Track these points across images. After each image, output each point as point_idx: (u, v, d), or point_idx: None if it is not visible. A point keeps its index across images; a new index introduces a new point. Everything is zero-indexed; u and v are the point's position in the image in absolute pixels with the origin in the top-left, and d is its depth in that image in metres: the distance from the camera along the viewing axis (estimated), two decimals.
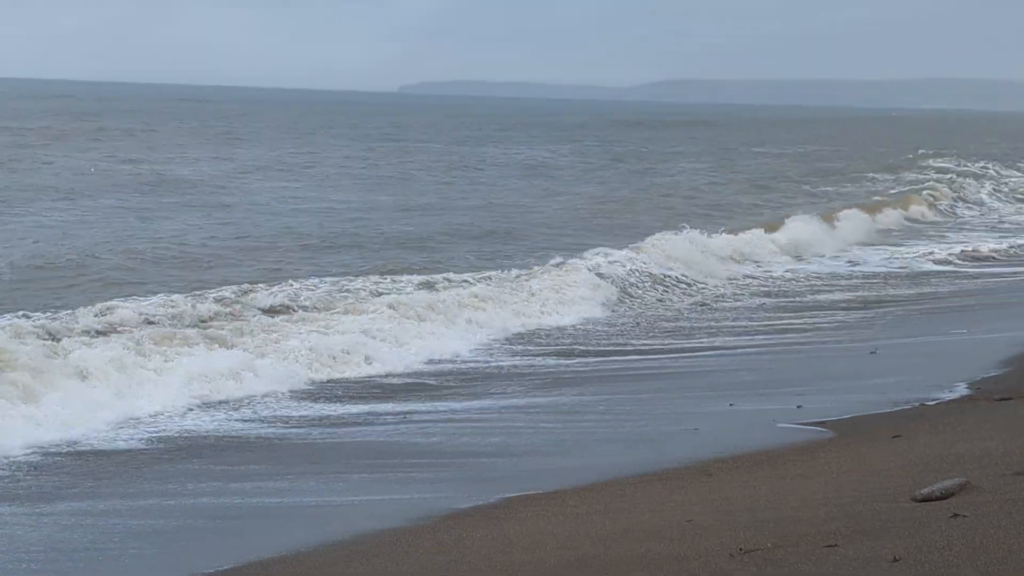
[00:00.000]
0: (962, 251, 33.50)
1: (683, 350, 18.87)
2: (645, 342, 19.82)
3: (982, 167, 64.93)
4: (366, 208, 38.72)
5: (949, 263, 31.59)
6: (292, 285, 21.94)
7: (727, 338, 19.91)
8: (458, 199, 42.97)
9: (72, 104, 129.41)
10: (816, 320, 21.54)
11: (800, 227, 35.18)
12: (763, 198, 48.53)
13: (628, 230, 33.96)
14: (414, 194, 44.09)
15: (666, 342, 19.70)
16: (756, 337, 20.01)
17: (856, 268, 30.83)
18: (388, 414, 14.57)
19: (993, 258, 32.83)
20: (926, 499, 8.44)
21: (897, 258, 32.68)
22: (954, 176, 57.04)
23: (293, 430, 13.79)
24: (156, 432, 13.52)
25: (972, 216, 46.98)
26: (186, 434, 13.49)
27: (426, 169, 57.25)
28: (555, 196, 45.23)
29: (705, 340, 19.82)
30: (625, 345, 19.65)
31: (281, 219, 34.69)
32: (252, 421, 14.22)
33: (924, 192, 49.46)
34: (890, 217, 42.25)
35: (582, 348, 19.35)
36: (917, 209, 45.27)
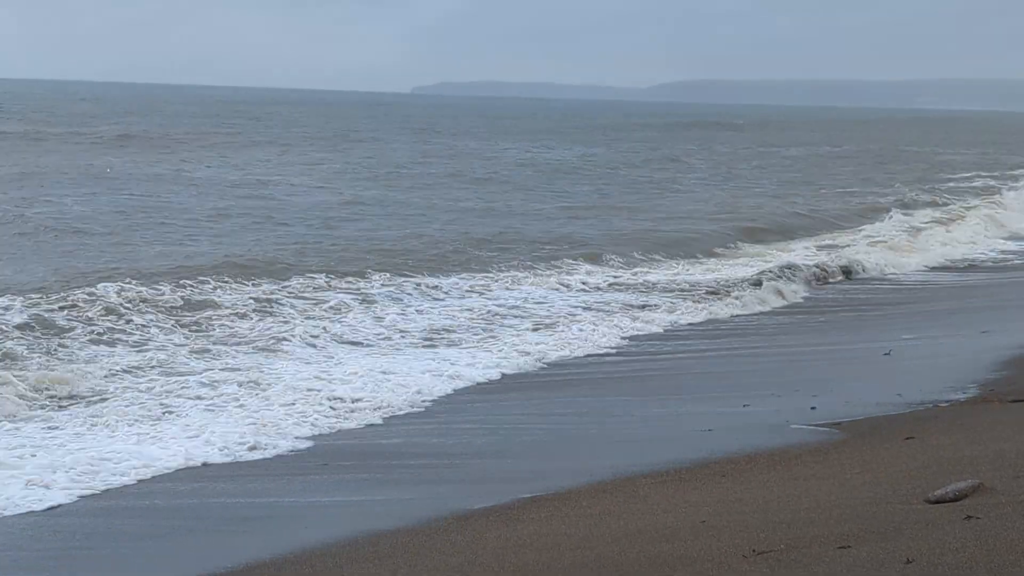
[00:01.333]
0: None
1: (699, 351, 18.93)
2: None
3: None
4: (564, 209, 39.53)
5: None
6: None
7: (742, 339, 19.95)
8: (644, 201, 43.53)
9: (119, 107, 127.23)
10: None
11: None
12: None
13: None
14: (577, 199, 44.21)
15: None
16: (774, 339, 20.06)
17: None
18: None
19: None
20: (939, 501, 8.43)
21: None
22: None
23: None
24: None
25: None
26: None
27: (585, 172, 57.52)
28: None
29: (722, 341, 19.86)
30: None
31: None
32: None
33: None
34: None
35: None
36: None
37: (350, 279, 23.91)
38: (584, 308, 22.57)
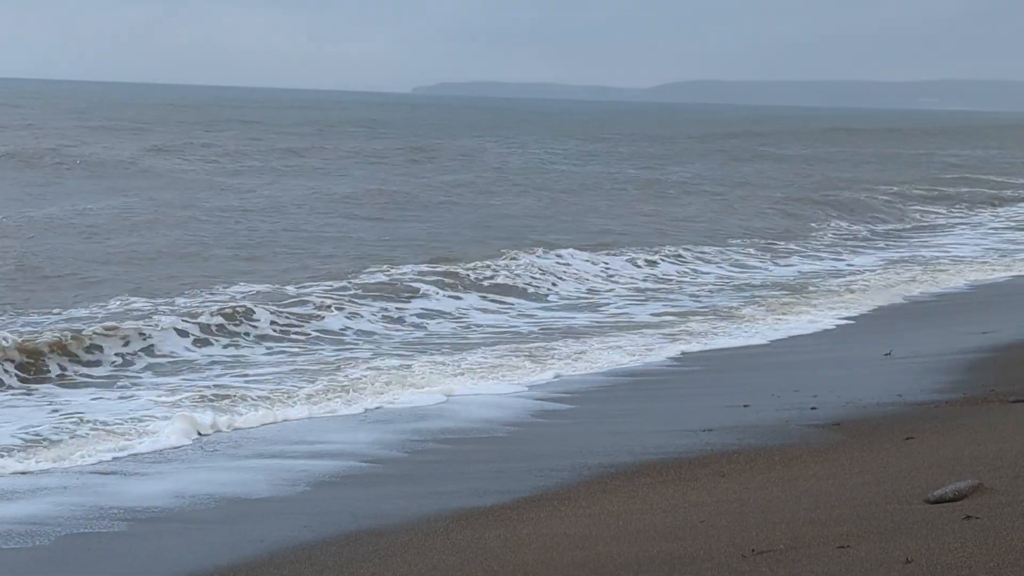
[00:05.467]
0: None
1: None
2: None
3: None
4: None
5: None
6: None
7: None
8: None
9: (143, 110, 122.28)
10: None
11: None
12: None
13: None
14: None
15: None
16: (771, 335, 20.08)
17: None
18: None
19: None
20: (939, 501, 8.43)
21: None
22: None
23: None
24: None
25: None
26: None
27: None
28: None
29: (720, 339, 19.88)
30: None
31: None
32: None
33: None
34: None
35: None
36: None
37: None
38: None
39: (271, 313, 20.69)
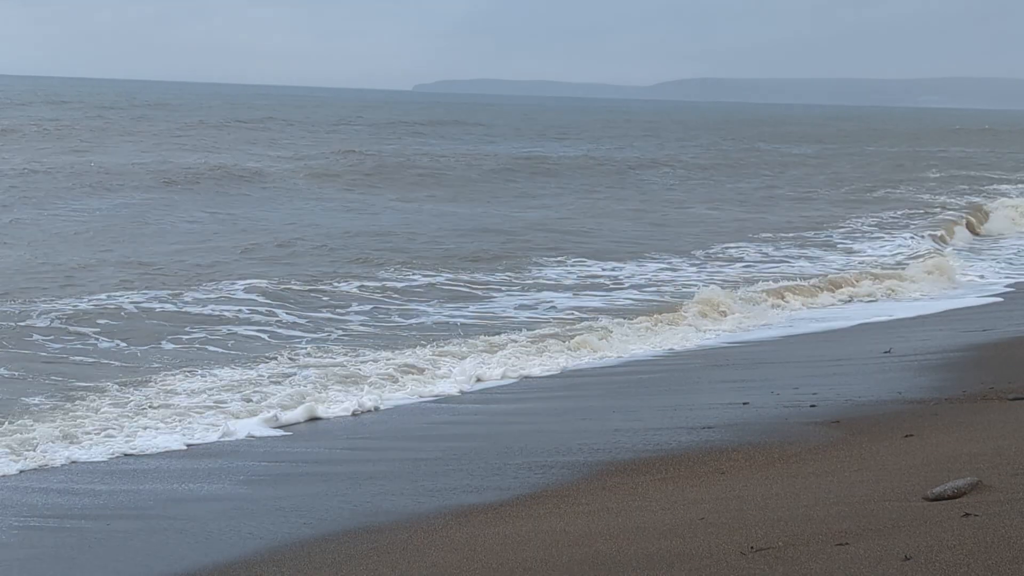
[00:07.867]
0: None
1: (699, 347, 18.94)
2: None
3: None
4: None
5: None
6: None
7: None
8: None
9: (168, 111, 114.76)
10: None
11: None
12: None
13: None
14: None
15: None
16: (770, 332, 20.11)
17: None
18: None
19: None
20: (938, 498, 8.43)
21: None
22: None
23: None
24: None
25: None
26: None
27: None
28: None
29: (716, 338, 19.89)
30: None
31: None
32: None
33: None
34: None
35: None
36: None
37: None
38: None
39: None
